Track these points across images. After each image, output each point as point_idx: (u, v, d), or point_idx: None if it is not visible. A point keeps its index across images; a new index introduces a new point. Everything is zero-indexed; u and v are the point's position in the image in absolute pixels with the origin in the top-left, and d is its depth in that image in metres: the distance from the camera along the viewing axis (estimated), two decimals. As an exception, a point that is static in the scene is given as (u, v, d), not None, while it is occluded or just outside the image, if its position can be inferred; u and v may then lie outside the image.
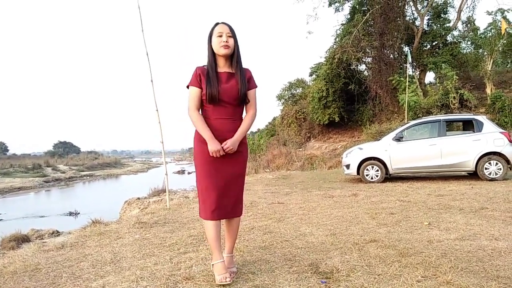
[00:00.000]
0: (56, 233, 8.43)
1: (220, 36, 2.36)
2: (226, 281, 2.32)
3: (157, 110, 5.48)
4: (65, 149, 68.69)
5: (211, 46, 2.41)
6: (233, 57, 2.43)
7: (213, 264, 2.45)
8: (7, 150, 68.34)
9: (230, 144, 2.34)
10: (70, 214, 14.63)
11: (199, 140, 2.40)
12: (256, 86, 2.52)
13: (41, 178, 32.25)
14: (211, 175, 2.37)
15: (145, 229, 4.22)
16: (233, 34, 2.40)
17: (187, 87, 2.44)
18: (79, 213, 14.53)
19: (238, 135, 2.40)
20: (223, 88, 2.35)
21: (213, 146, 2.31)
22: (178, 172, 34.96)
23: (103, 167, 46.91)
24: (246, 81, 2.44)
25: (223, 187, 2.39)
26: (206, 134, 2.33)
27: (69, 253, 3.38)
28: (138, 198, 9.77)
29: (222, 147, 2.33)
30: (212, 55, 2.42)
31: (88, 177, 37.45)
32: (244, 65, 2.49)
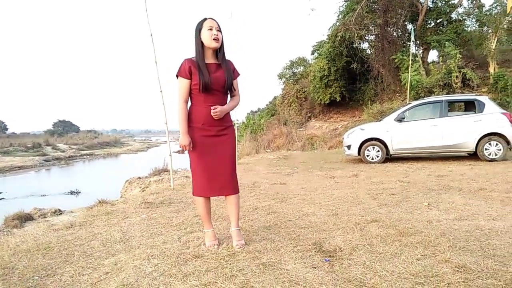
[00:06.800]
0: (59, 212, 8.53)
1: (211, 29, 2.55)
2: (214, 248, 2.69)
3: (161, 91, 5.49)
4: (64, 128, 68.61)
5: (200, 39, 2.59)
6: (220, 49, 2.65)
7: (204, 232, 2.83)
8: (7, 129, 68.24)
9: (219, 110, 2.59)
10: (71, 193, 14.78)
11: (189, 126, 2.64)
12: (239, 75, 2.81)
13: (41, 157, 32.37)
14: (201, 156, 2.65)
15: (151, 209, 4.32)
16: (220, 29, 2.61)
17: (177, 76, 2.64)
18: (80, 192, 14.70)
19: (226, 107, 2.68)
20: (213, 77, 2.57)
21: (183, 140, 2.60)
22: (179, 152, 35.00)
23: (103, 146, 47.05)
24: (232, 72, 2.69)
25: (212, 167, 2.65)
26: (183, 127, 2.61)
27: (79, 232, 3.47)
28: (139, 178, 9.88)
29: (214, 111, 2.58)
30: (201, 47, 2.60)
31: (88, 156, 37.61)
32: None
